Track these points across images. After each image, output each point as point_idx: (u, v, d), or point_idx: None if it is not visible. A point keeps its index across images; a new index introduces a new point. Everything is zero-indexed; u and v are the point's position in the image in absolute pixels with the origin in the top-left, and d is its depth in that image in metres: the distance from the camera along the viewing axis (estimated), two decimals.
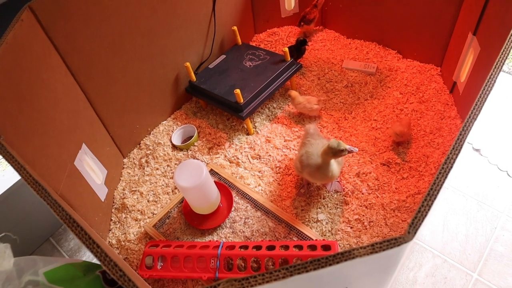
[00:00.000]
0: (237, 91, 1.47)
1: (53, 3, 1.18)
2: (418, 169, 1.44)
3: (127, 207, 1.46)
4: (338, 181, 1.42)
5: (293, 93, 1.63)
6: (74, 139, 1.29)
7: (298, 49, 1.80)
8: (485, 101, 0.87)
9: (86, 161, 1.33)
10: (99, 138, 1.47)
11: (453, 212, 1.49)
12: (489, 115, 1.75)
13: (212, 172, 1.50)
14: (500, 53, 0.93)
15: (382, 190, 1.39)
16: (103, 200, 1.41)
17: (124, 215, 1.45)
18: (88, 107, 1.41)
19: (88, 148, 1.36)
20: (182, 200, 1.44)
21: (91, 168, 1.37)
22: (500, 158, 1.63)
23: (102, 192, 1.41)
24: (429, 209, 0.64)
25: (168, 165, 1.57)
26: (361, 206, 1.36)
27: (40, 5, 1.15)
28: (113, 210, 1.48)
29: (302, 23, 1.96)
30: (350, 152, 1.18)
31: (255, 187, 1.45)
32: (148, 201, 1.48)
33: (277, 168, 1.50)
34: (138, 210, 1.45)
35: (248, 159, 1.53)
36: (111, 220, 1.46)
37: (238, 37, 1.81)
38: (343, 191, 1.40)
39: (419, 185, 1.39)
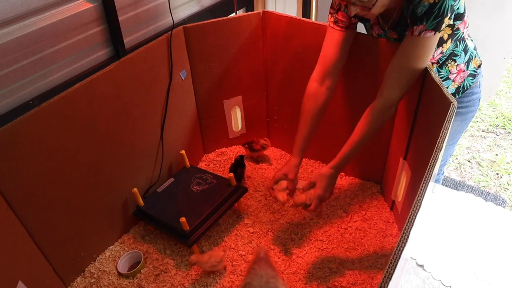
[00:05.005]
0: (183, 219, 1.49)
1: None
2: None
3: None
4: None
5: (193, 257, 1.49)
6: (8, 278, 1.24)
7: (240, 165, 1.89)
8: (414, 221, 0.92)
9: None
10: (39, 272, 1.42)
11: None
12: (430, 231, 1.81)
13: None
14: (424, 176, 1.01)
15: None
16: None
17: None
18: (28, 240, 1.37)
19: (25, 285, 1.30)
20: None
21: None
22: (443, 273, 1.66)
23: None
24: None
25: None
26: None
27: None
28: None
29: (246, 145, 2.06)
30: None
31: None
32: None
33: None
34: None
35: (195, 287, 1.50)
36: None
37: (187, 161, 1.86)
38: None
39: None
